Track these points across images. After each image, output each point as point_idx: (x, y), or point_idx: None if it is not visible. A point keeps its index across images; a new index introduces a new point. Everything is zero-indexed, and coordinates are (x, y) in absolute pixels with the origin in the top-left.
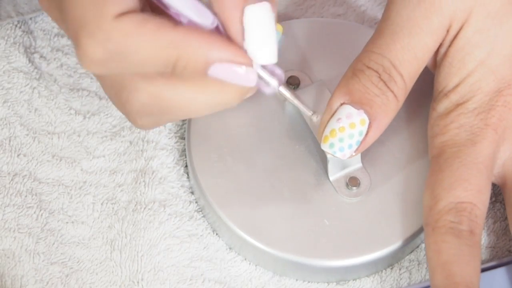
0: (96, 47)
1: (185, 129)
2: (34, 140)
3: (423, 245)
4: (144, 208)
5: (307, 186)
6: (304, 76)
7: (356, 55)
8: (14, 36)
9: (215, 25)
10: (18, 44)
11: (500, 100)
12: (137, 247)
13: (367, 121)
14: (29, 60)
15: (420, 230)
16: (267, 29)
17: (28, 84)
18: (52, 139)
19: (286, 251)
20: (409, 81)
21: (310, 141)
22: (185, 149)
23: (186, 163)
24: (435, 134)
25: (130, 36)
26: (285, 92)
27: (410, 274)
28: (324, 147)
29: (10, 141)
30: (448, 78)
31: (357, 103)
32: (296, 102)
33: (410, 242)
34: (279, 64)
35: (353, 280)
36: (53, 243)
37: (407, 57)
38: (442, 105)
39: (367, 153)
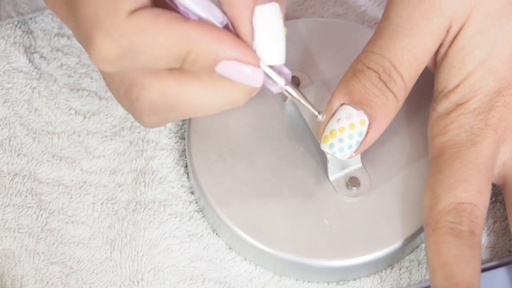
0: (111, 45)
1: (185, 129)
2: (34, 140)
3: (423, 245)
4: (144, 208)
5: (307, 186)
6: (304, 76)
7: (356, 55)
8: (14, 36)
9: (224, 23)
10: (18, 44)
11: (500, 100)
12: (137, 247)
13: (367, 122)
14: (29, 60)
15: (420, 230)
16: (276, 29)
17: (28, 84)
18: (52, 139)
19: (286, 251)
20: (409, 82)
21: (310, 141)
22: (185, 149)
23: (186, 163)
24: (435, 134)
25: (144, 32)
26: (292, 92)
27: (410, 274)
28: (324, 147)
29: (10, 141)
30: (448, 78)
31: (357, 104)
32: (303, 101)
33: (410, 242)
34: None
35: (353, 280)
36: (53, 243)
37: (407, 58)
38: (442, 106)
39: (367, 153)
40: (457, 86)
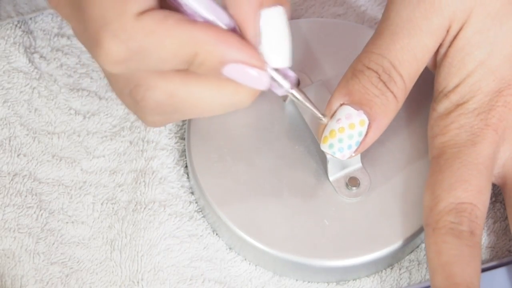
0: (119, 47)
1: (185, 130)
2: (34, 140)
3: (423, 245)
4: (144, 208)
5: (307, 186)
6: (304, 76)
7: (356, 55)
8: (14, 36)
9: (230, 26)
10: (18, 44)
11: (500, 100)
12: (137, 247)
13: (367, 122)
14: (29, 60)
15: (420, 230)
16: (282, 33)
17: (28, 84)
18: (52, 139)
19: (286, 251)
20: (409, 82)
21: (310, 141)
22: (185, 149)
23: (186, 163)
24: (435, 134)
25: (152, 34)
26: (297, 95)
27: (410, 274)
28: (324, 147)
29: (10, 141)
30: (448, 78)
31: (357, 104)
32: (308, 104)
33: (410, 242)
34: None
35: (353, 280)
36: (53, 243)
37: (406, 58)
38: (442, 106)
39: (367, 153)
40: (457, 86)
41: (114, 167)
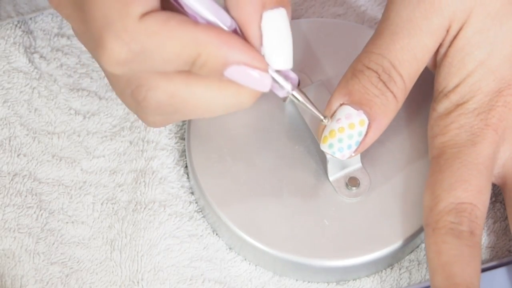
0: (121, 48)
1: (185, 130)
2: (34, 140)
3: (423, 245)
4: (144, 208)
5: (307, 186)
6: (304, 76)
7: (356, 55)
8: (14, 36)
9: (232, 28)
10: (18, 44)
11: (500, 100)
12: (137, 247)
13: (367, 122)
14: (29, 60)
15: (420, 230)
16: (284, 35)
17: (28, 84)
18: (52, 139)
19: (286, 251)
20: (409, 82)
21: (309, 141)
22: (185, 149)
23: (186, 163)
24: (435, 134)
25: (155, 36)
26: (299, 96)
27: (410, 274)
28: (324, 147)
29: (10, 141)
30: (448, 78)
31: (357, 104)
32: (309, 106)
33: (410, 242)
34: None
35: (353, 280)
36: (53, 243)
37: (406, 58)
38: (442, 106)
39: (367, 153)
40: (457, 86)
41: (114, 167)
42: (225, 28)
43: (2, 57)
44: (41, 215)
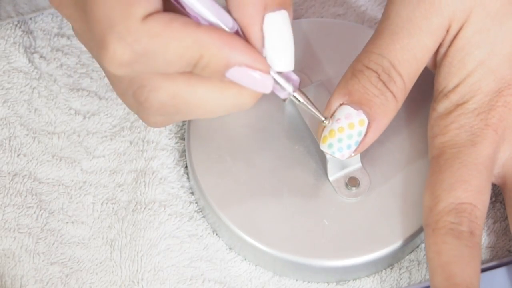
0: (124, 50)
1: (185, 130)
2: (34, 140)
3: (423, 245)
4: (144, 208)
5: (307, 186)
6: (304, 76)
7: (356, 55)
8: (14, 36)
9: (234, 29)
10: (18, 44)
11: (500, 100)
12: (137, 247)
13: (366, 122)
14: (29, 60)
15: (420, 230)
16: (286, 37)
17: (28, 84)
18: (52, 139)
19: (286, 251)
20: (409, 82)
21: (309, 141)
22: (185, 149)
23: (186, 163)
24: (435, 134)
25: (158, 37)
26: (300, 97)
27: (410, 274)
28: (323, 147)
29: (10, 141)
30: (448, 78)
31: (356, 104)
32: (310, 107)
33: (410, 242)
34: None
35: (353, 280)
36: (53, 243)
37: (406, 58)
38: (442, 106)
39: (367, 153)
40: (457, 86)
41: (114, 167)
42: (227, 29)
43: (2, 57)
44: (41, 215)
